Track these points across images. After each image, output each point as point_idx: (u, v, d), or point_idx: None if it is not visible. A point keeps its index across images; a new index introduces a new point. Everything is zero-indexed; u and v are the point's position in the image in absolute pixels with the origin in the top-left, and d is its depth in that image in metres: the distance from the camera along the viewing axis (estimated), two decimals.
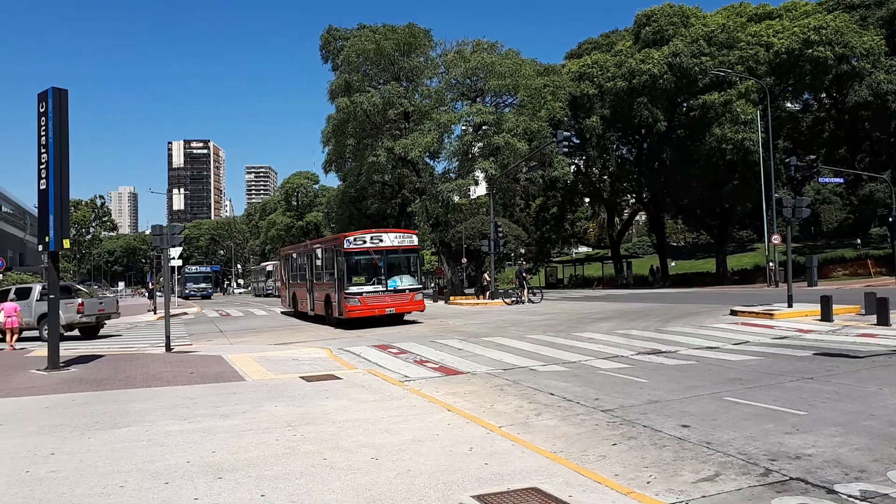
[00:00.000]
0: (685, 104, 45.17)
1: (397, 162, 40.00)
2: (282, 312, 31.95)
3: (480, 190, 53.77)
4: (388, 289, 21.70)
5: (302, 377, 11.24)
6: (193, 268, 76.98)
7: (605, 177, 54.99)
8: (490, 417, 8.12)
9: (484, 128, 39.84)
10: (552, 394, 9.59)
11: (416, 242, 22.92)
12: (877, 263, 42.42)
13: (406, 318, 23.73)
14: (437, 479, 5.60)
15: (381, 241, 21.84)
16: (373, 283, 21.66)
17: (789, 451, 6.32)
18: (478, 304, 32.98)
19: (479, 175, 40.89)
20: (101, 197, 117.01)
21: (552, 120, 41.35)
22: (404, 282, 22.16)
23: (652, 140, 47.18)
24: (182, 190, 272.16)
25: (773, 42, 40.61)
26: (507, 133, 37.11)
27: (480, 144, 41.13)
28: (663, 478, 5.74)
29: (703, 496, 5.26)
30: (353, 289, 21.31)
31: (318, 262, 25.26)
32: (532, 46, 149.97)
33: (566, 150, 47.94)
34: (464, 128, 43.19)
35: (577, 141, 48.09)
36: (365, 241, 21.64)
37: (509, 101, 43.21)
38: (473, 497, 5.16)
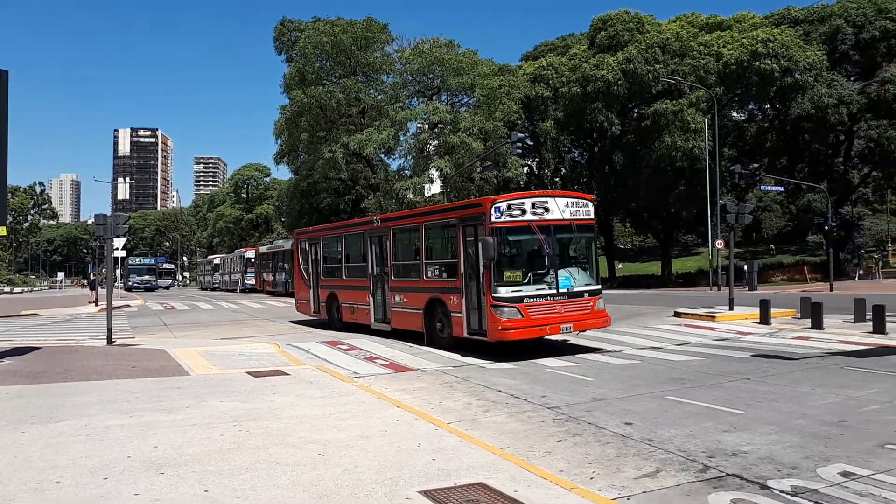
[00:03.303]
0: (637, 110, 46.13)
1: (352, 157, 39.73)
2: (294, 322, 21.89)
3: (435, 188, 53.94)
4: (560, 291, 12.92)
5: (248, 372, 11.07)
6: (138, 259, 74.91)
7: (557, 179, 55.72)
8: (439, 414, 8.16)
9: (440, 126, 39.92)
10: (500, 391, 9.69)
11: (592, 214, 13.99)
12: (812, 269, 44.24)
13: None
14: (385, 474, 5.60)
15: (546, 209, 12.96)
16: (534, 282, 12.84)
17: (727, 448, 6.54)
18: None
19: (435, 173, 40.96)
20: (41, 184, 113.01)
21: (507, 121, 41.70)
22: (579, 279, 13.39)
23: (604, 144, 48.04)
24: (128, 179, 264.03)
25: (723, 53, 41.83)
26: (464, 132, 37.27)
27: (436, 143, 41.21)
28: (606, 474, 5.87)
29: (644, 492, 5.41)
30: (507, 290, 12.43)
31: (412, 247, 16.33)
32: (488, 46, 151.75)
33: (520, 151, 48.51)
34: (419, 126, 43.23)
35: (531, 143, 48.68)
36: (524, 211, 12.75)
37: (465, 100, 43.43)
38: (420, 492, 5.18)
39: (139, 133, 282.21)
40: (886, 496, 5.16)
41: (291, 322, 21.96)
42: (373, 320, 17.19)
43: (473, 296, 13.14)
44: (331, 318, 19.56)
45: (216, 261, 68.02)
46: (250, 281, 50.91)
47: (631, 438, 6.99)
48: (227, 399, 8.85)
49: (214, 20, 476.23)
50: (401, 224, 16.70)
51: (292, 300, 35.80)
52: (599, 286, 13.93)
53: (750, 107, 48.72)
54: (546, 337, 13.75)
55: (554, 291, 12.84)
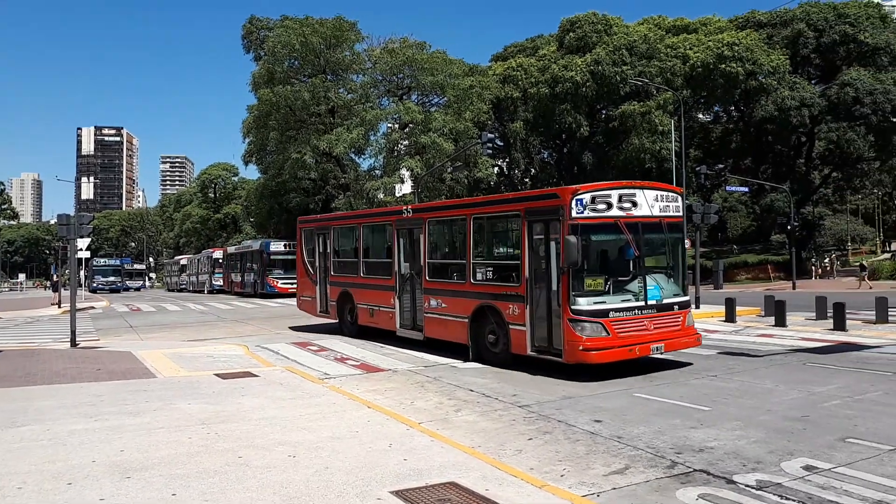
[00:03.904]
0: (605, 112, 46.62)
1: (321, 157, 39.48)
2: (293, 329, 19.06)
3: (406, 188, 53.90)
4: (649, 303, 10.73)
5: (217, 374, 10.92)
6: (102, 260, 73.40)
7: (528, 179, 56.10)
8: (410, 414, 8.15)
9: (411, 126, 39.88)
10: (472, 390, 9.72)
11: (681, 211, 11.88)
12: (776, 268, 45.21)
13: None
14: (356, 475, 5.58)
15: (633, 204, 10.80)
16: (615, 291, 10.70)
17: (694, 444, 6.66)
18: None
19: (406, 173, 40.90)
20: (1, 183, 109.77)
21: (477, 121, 41.83)
22: (667, 289, 11.18)
23: (573, 145, 48.45)
24: (92, 178, 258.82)
25: (690, 55, 42.50)
26: (435, 132, 37.29)
27: (406, 142, 41.14)
28: (576, 471, 5.93)
29: (614, 488, 5.48)
30: (588, 302, 10.27)
31: (454, 243, 14.00)
32: (458, 47, 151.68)
33: (490, 151, 48.71)
34: (390, 125, 43.13)
35: (501, 143, 48.89)
36: (609, 205, 10.52)
37: (436, 100, 43.43)
38: (392, 493, 5.17)
39: (104, 132, 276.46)
40: (847, 489, 5.30)
41: (291, 328, 19.34)
42: (398, 326, 14.71)
43: (542, 306, 10.85)
44: (341, 321, 17.16)
45: (183, 261, 66.97)
46: (218, 282, 50.24)
47: (600, 436, 7.07)
48: (194, 401, 8.73)
49: (181, 17, 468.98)
50: (440, 215, 14.38)
51: (261, 301, 35.57)
52: (688, 297, 11.78)
53: (715, 108, 49.61)
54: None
55: (642, 304, 10.63)
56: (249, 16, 47.01)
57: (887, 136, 42.22)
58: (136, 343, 16.78)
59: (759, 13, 48.22)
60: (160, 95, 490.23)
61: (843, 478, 5.56)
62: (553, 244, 10.70)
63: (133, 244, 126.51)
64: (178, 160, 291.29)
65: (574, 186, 10.62)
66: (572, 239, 9.85)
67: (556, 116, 44.29)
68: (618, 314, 10.41)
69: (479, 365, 11.99)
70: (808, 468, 5.81)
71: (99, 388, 9.82)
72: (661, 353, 11.12)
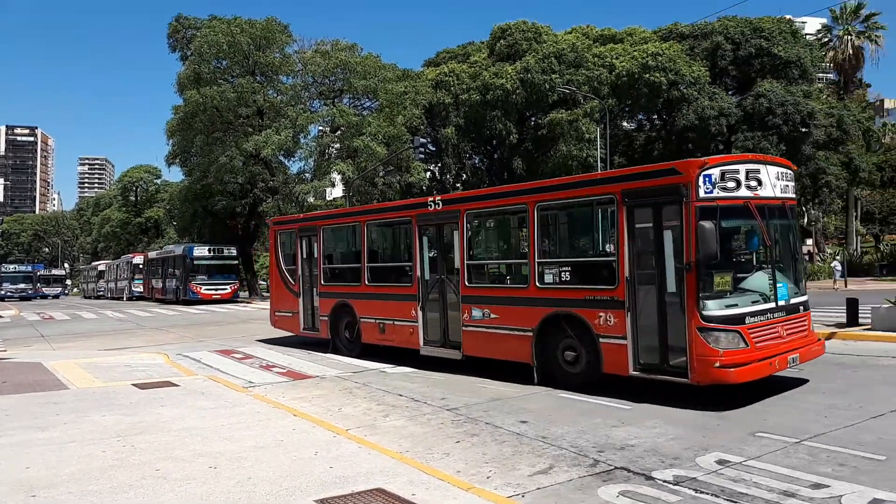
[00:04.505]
0: (534, 119, 47.50)
1: (248, 159, 38.62)
2: (261, 341, 16.94)
3: (337, 192, 53.34)
4: (780, 304, 8.98)
5: (134, 384, 10.49)
6: (12, 266, 69.62)
7: (459, 185, 56.50)
8: (338, 421, 8.04)
9: (343, 129, 39.54)
10: (401, 395, 9.68)
11: (793, 192, 9.84)
12: None
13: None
14: (279, 485, 5.46)
15: (759, 182, 8.95)
16: (737, 291, 8.90)
17: (615, 442, 6.83)
18: None
19: (336, 177, 40.51)
20: None
21: (410, 126, 41.88)
22: (791, 287, 9.46)
23: (503, 151, 49.13)
24: (2, 180, 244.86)
25: (616, 65, 43.82)
26: (368, 136, 37.12)
27: (338, 146, 40.74)
28: (502, 472, 5.98)
29: (538, 488, 5.55)
30: (719, 305, 8.42)
31: (505, 238, 12.63)
32: (391, 52, 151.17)
33: (422, 156, 48.84)
34: (321, 128, 42.59)
35: (434, 148, 49.09)
36: (738, 183, 8.67)
37: (368, 104, 43.21)
38: (316, 501, 5.09)
39: (16, 131, 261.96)
40: (756, 480, 5.55)
41: (259, 340, 17.21)
42: (422, 343, 12.19)
43: (648, 312, 8.82)
44: (335, 338, 14.41)
45: (101, 267, 64.23)
46: (138, 288, 48.44)
47: (526, 437, 7.16)
48: (110, 413, 8.35)
49: (102, 13, 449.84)
50: (484, 206, 11.89)
51: (184, 308, 34.44)
52: (806, 296, 9.87)
53: (639, 117, 51.28)
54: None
55: (773, 305, 8.84)
56: (177, 14, 45.54)
57: (797, 145, 44.67)
58: (47, 353, 15.93)
59: (682, 25, 50.18)
60: (79, 95, 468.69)
61: (752, 470, 5.80)
62: (668, 234, 8.62)
63: (47, 249, 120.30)
64: (98, 162, 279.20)
65: (700, 159, 8.68)
66: (708, 226, 8.01)
67: (487, 123, 44.84)
68: (753, 319, 8.53)
69: (409, 369, 11.85)
70: (721, 462, 6.04)
71: (4, 401, 9.26)
72: (797, 366, 9.29)
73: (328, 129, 41.25)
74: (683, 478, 5.69)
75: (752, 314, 8.56)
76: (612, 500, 5.27)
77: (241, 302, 39.01)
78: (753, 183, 8.79)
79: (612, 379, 9.17)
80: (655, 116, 50.62)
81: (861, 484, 5.36)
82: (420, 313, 12.20)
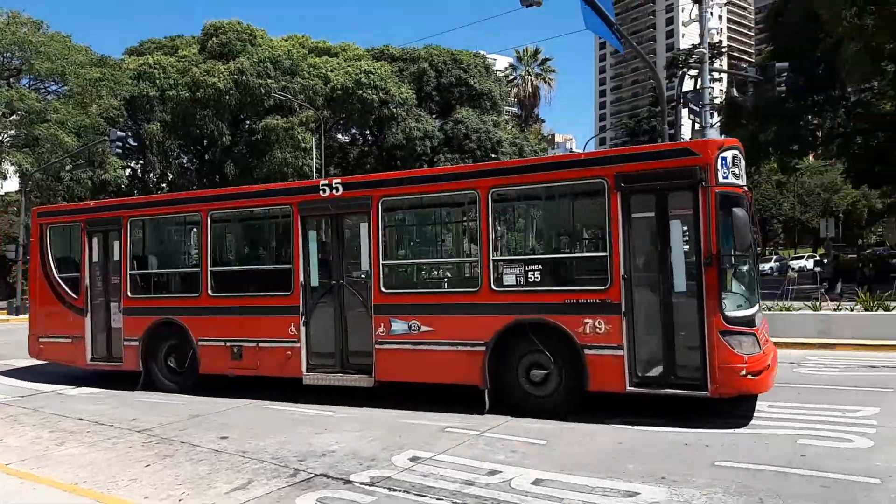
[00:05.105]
0: (249, 123, 46.21)
1: None
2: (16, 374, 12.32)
3: (11, 186, 45.70)
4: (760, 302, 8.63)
5: None
6: None
7: (164, 185, 52.39)
8: None
9: (21, 114, 34.06)
10: (82, 419, 8.62)
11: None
12: None
13: None
14: None
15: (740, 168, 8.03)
16: (737, 291, 7.97)
17: (317, 450, 6.92)
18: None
19: (10, 168, 34.83)
20: None
21: (107, 117, 37.72)
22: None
23: (215, 153, 46.88)
24: None
25: (331, 77, 44.67)
26: (54, 124, 32.50)
27: (13, 133, 35.02)
28: (196, 493, 5.68)
29: None
30: (734, 305, 7.48)
31: (444, 231, 10.69)
32: (86, 34, 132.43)
33: (121, 151, 44.18)
34: None
35: (135, 143, 44.93)
36: (740, 168, 7.81)
37: (54, 88, 37.93)
38: None
39: None
40: (444, 473, 6.06)
41: None
42: (305, 368, 9.46)
43: (649, 316, 7.69)
44: (150, 370, 10.67)
45: None
46: None
47: (225, 452, 6.89)
48: None
49: None
50: (409, 192, 9.30)
51: None
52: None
53: (353, 131, 53.08)
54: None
55: (758, 307, 8.02)
56: None
57: None
58: None
59: (392, 48, 53.09)
60: None
61: (440, 463, 6.32)
62: (675, 224, 7.54)
63: None
64: None
65: (717, 139, 7.74)
66: (741, 213, 7.18)
67: (197, 121, 42.47)
68: (758, 320, 7.77)
69: (96, 390, 10.58)
70: (414, 459, 6.47)
71: None
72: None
73: (1, 114, 35.16)
74: (379, 478, 5.98)
75: (756, 315, 7.76)
76: None
77: None
78: (740, 171, 7.92)
79: (585, 397, 7.88)
80: (368, 132, 52.84)
81: (526, 467, 6.16)
82: (303, 330, 9.45)
